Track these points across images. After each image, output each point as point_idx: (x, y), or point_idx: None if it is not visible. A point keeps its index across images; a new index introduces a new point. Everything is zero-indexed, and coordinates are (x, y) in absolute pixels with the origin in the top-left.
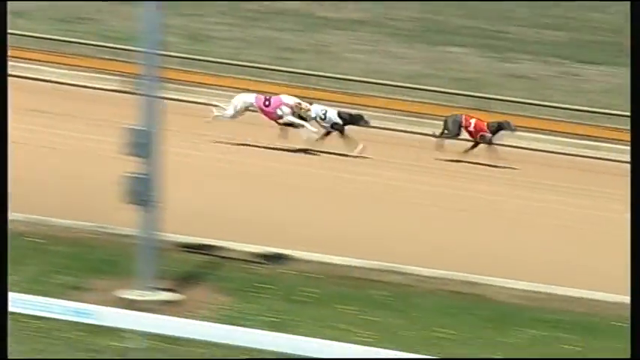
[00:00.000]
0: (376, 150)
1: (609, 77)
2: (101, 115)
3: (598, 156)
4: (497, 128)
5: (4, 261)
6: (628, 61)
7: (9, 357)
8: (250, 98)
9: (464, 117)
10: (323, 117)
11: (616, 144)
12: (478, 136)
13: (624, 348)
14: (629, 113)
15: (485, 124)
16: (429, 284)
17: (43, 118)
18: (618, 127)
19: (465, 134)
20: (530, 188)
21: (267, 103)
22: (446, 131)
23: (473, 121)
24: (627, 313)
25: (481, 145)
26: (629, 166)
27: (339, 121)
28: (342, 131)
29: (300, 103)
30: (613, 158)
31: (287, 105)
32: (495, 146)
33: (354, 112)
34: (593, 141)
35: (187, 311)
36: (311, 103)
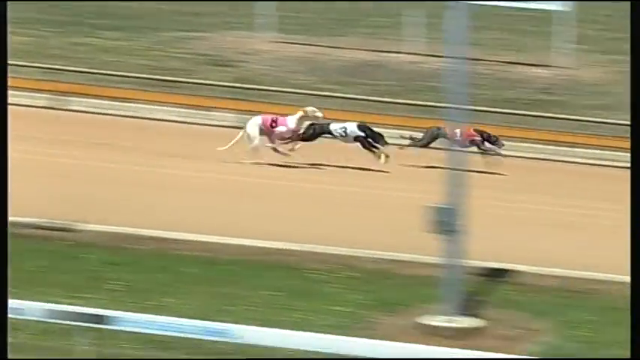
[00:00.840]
0: None
1: None
2: None
3: None
4: (487, 139)
5: (4, 262)
6: None
7: (9, 357)
8: (257, 120)
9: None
10: (344, 134)
11: None
12: (467, 142)
13: None
14: None
15: (477, 131)
16: None
17: None
18: None
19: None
20: None
21: (273, 124)
22: (415, 140)
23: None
24: None
25: None
26: None
27: (361, 133)
28: (363, 143)
29: (305, 113)
30: None
31: (287, 126)
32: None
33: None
34: None
35: None
36: (329, 124)
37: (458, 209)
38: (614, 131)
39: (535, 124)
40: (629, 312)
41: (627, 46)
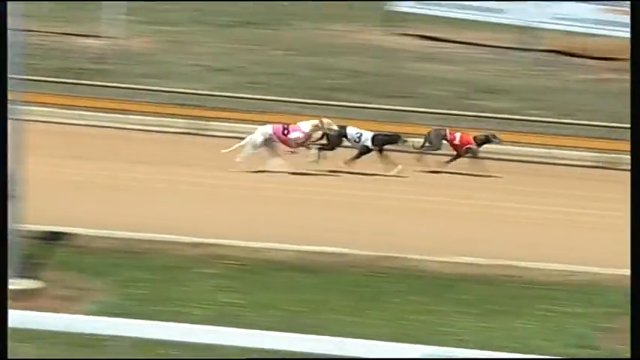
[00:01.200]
0: None
1: None
2: None
3: None
4: (484, 141)
5: (4, 263)
6: None
7: (9, 357)
8: (268, 129)
9: (448, 130)
10: (357, 140)
11: None
12: (464, 149)
13: None
14: None
15: (472, 137)
16: None
17: None
18: None
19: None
20: None
21: (285, 132)
22: (427, 144)
23: (458, 135)
24: None
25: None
26: None
27: (371, 146)
28: (380, 152)
29: (319, 124)
30: None
31: (301, 131)
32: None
33: (390, 133)
34: None
35: None
36: (345, 126)
37: (15, 175)
38: (169, 98)
39: (87, 93)
40: (183, 270)
41: (173, 17)
